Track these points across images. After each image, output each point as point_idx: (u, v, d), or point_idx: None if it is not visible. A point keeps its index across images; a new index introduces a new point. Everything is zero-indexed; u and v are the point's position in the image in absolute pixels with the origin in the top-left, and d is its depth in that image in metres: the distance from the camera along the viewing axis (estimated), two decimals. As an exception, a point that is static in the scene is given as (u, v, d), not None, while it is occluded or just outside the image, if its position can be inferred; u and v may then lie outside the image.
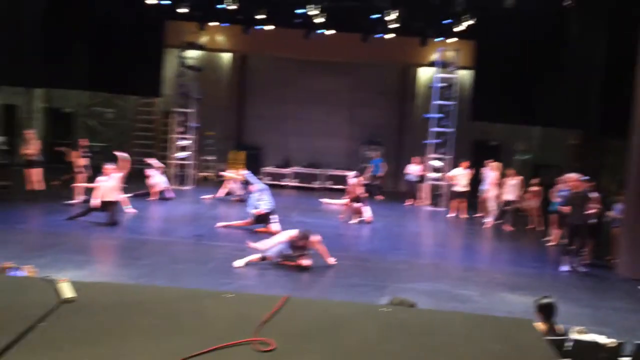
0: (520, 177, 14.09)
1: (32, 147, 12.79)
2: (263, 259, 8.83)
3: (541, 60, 14.42)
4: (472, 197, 15.78)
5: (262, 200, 11.33)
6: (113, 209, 10.88)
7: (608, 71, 11.58)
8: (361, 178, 14.34)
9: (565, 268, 10.07)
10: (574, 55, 13.40)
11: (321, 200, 15.91)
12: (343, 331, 2.09)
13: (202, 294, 2.46)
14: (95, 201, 10.96)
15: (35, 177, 12.66)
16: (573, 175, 10.63)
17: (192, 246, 10.03)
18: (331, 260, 9.08)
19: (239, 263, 8.68)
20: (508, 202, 13.87)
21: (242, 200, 14.56)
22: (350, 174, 14.22)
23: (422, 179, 16.75)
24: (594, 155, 16.28)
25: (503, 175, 14.28)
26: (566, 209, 10.20)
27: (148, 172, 14.46)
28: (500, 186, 14.25)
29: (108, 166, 11.45)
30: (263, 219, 11.24)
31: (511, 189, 13.76)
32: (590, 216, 10.39)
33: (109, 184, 10.99)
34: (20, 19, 12.49)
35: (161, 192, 14.32)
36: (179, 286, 6.53)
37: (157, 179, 14.39)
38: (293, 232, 8.92)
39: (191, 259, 9.11)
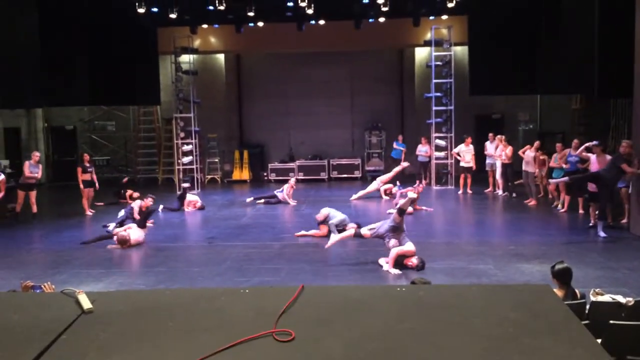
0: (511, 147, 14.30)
1: (36, 169, 12.88)
2: (357, 235, 8.88)
3: (535, 28, 14.29)
4: (481, 172, 15.83)
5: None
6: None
7: (603, 31, 11.44)
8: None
9: (603, 233, 10.03)
10: (568, 19, 13.26)
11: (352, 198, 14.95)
12: (361, 314, 2.10)
13: (219, 292, 2.47)
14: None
15: (33, 199, 12.75)
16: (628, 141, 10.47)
17: (206, 249, 10.08)
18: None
19: (332, 239, 9.06)
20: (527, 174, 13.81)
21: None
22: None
23: (430, 158, 16.80)
24: (598, 117, 16.20)
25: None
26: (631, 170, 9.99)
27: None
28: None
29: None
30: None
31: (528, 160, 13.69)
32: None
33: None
34: (16, 42, 12.51)
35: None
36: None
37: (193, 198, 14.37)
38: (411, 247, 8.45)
39: (206, 261, 9.15)
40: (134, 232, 10.31)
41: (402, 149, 17.46)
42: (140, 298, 2.48)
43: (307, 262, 8.80)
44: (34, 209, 12.82)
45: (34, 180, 12.84)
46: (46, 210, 13.83)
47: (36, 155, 13.15)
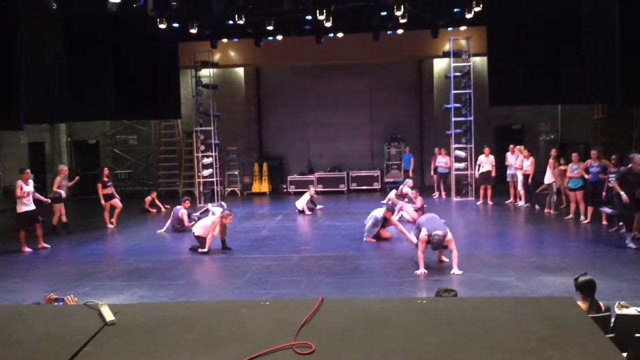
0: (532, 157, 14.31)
1: (64, 182, 13.21)
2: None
3: (555, 38, 14.16)
4: (502, 183, 15.70)
5: None
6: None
7: (626, 39, 11.28)
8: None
9: (632, 244, 9.88)
10: (588, 27, 13.12)
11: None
12: (381, 327, 2.09)
13: (239, 304, 2.48)
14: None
15: (63, 210, 12.99)
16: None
17: (226, 261, 10.11)
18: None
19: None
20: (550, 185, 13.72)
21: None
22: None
23: (450, 170, 16.74)
24: (621, 127, 15.96)
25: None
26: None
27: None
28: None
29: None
30: None
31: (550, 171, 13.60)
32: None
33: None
34: (41, 59, 12.79)
35: None
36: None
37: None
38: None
39: (226, 274, 9.19)
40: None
41: (406, 160, 18.22)
42: (161, 310, 2.49)
43: (326, 274, 8.79)
44: (64, 218, 13.12)
45: (64, 195, 13.19)
46: (69, 224, 13.98)
47: (64, 168, 13.51)
